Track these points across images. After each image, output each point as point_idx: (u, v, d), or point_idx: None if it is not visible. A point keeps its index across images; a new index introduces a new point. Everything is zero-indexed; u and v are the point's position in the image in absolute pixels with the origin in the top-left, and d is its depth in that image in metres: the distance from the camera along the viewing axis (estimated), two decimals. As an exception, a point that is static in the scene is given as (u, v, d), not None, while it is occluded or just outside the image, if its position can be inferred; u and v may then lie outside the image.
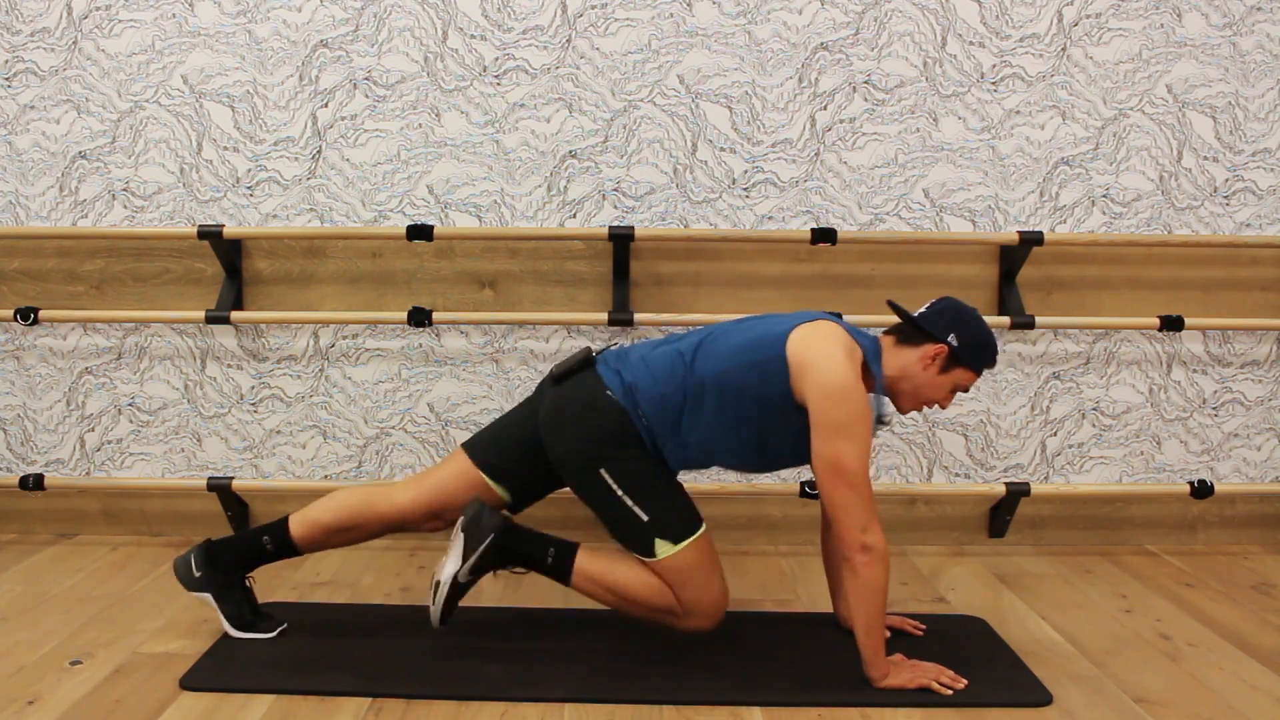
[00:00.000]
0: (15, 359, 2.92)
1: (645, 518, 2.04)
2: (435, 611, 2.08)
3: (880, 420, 2.11)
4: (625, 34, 2.80)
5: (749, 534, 2.98)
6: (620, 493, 2.05)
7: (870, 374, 2.06)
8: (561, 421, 2.10)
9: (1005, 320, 2.80)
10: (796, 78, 2.83)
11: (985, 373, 2.86)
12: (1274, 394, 3.00)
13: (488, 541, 2.05)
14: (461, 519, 2.08)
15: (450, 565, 2.06)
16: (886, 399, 2.13)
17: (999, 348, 2.17)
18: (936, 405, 2.12)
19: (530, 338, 2.90)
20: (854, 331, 2.08)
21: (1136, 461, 3.00)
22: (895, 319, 2.23)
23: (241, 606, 2.21)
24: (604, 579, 2.10)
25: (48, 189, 2.86)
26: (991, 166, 2.87)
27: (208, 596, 2.20)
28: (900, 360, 2.08)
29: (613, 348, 2.22)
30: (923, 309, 2.10)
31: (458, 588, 2.08)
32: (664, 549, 2.04)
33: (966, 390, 2.12)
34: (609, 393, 2.06)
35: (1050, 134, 2.87)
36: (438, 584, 2.07)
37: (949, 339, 2.04)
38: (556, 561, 2.10)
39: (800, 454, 2.07)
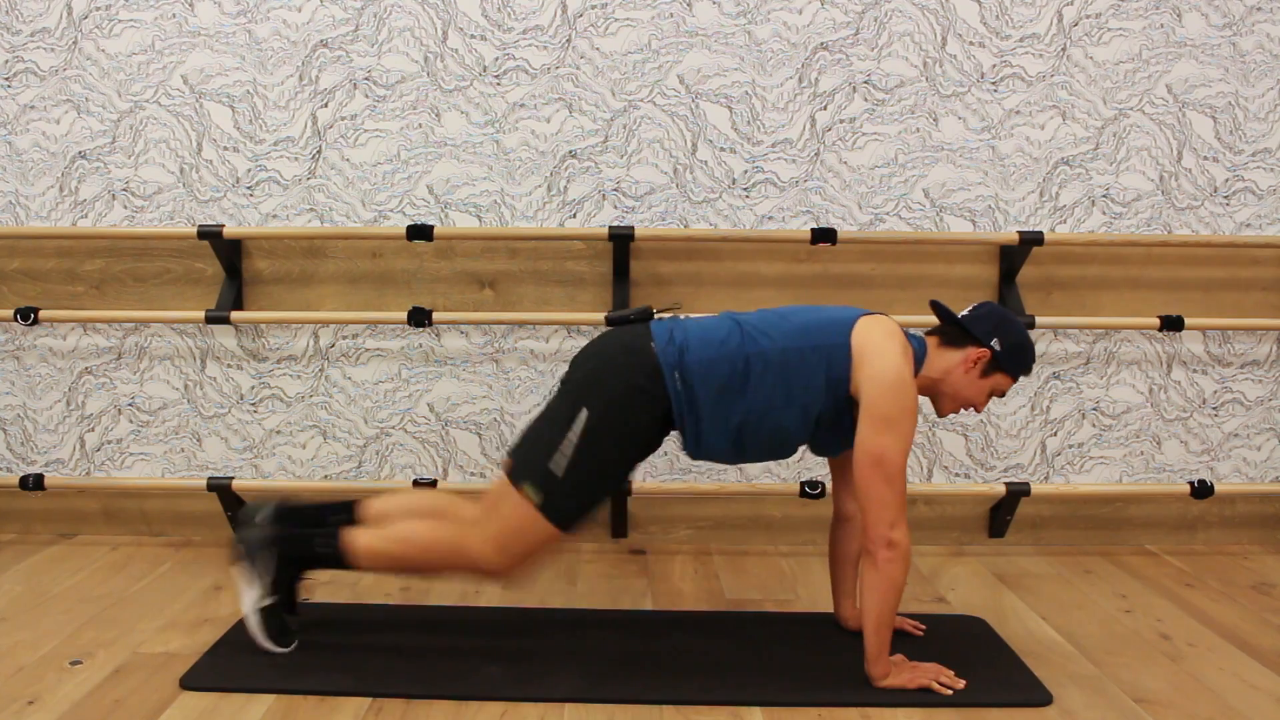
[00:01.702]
0: (15, 359, 2.92)
1: (559, 474, 1.97)
2: (264, 640, 2.10)
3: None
4: (625, 34, 2.80)
5: (749, 534, 2.98)
6: (572, 438, 1.97)
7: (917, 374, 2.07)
8: (593, 352, 2.08)
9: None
10: (796, 78, 2.83)
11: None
12: (1274, 394, 3.00)
13: (275, 555, 2.09)
14: (237, 549, 2.11)
15: (249, 595, 2.10)
16: None
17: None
18: (973, 408, 2.13)
19: (530, 338, 2.90)
20: (906, 333, 2.09)
21: (1136, 461, 3.00)
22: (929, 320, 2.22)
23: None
24: (392, 539, 2.06)
25: (48, 189, 2.86)
26: (991, 166, 2.87)
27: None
28: (943, 362, 2.08)
29: (666, 314, 2.17)
30: (965, 312, 2.11)
31: (269, 611, 2.10)
32: (532, 496, 1.98)
33: (1003, 395, 2.13)
34: (653, 345, 2.02)
35: (1050, 134, 2.87)
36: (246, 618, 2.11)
37: (992, 344, 2.06)
38: (331, 549, 2.08)
39: (836, 444, 2.09)
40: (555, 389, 2.11)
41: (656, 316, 2.13)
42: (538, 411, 2.10)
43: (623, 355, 2.04)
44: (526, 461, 2.02)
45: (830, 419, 2.04)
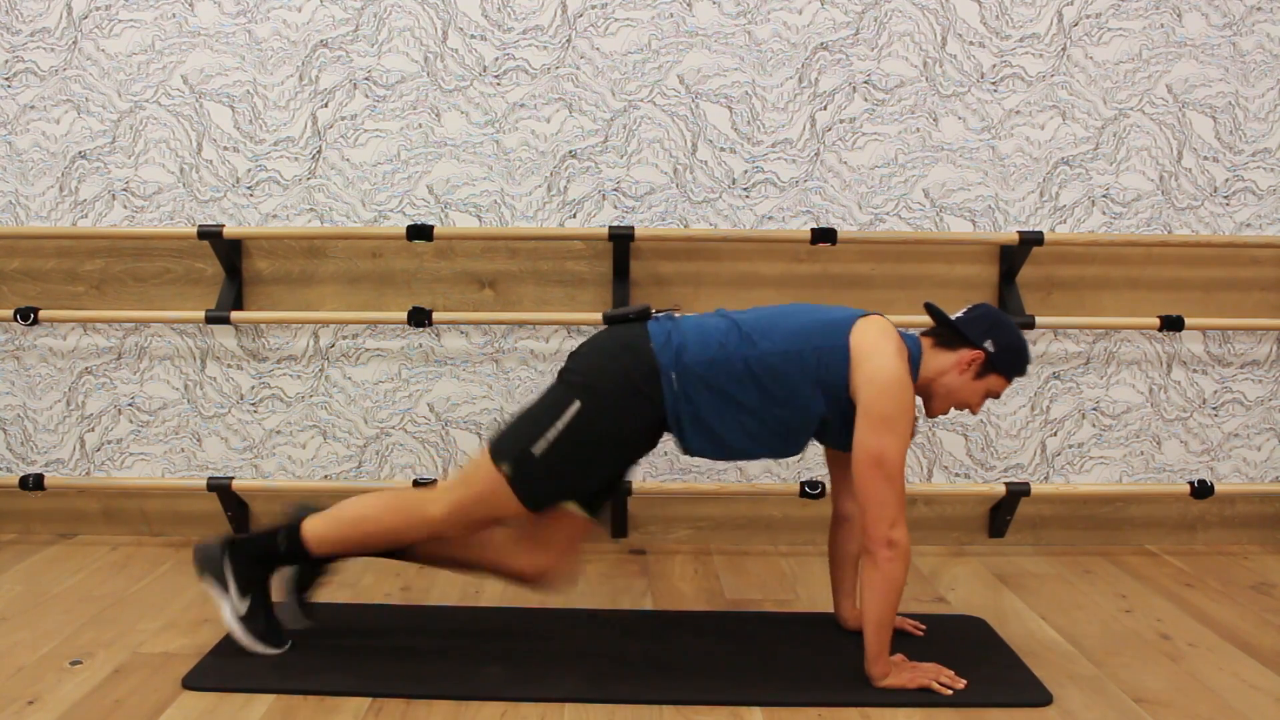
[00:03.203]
0: (15, 359, 2.92)
1: (536, 454, 1.99)
2: (255, 645, 2.11)
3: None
4: (625, 34, 2.80)
5: (749, 534, 2.98)
6: (559, 425, 1.99)
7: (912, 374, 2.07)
8: (592, 348, 2.08)
9: (1005, 320, 2.80)
10: (796, 78, 2.83)
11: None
12: (1274, 394, 3.00)
13: (228, 560, 2.09)
14: (195, 567, 2.12)
15: (225, 608, 2.10)
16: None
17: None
18: (968, 409, 2.13)
19: (530, 338, 2.90)
20: (900, 332, 2.09)
21: (1136, 461, 3.00)
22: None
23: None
24: (340, 519, 2.07)
25: (48, 189, 2.86)
26: (991, 166, 2.87)
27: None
28: (937, 363, 2.08)
29: (663, 313, 2.16)
30: (960, 313, 2.11)
31: (251, 617, 2.11)
32: (505, 470, 1.99)
33: (998, 396, 2.13)
34: (651, 345, 2.02)
35: (1050, 134, 2.87)
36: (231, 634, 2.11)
37: (986, 345, 2.05)
38: (290, 543, 2.09)
39: (843, 441, 2.07)
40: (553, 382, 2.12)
41: (654, 315, 2.13)
42: (532, 399, 2.10)
43: (622, 353, 2.04)
44: (509, 441, 2.03)
45: (833, 420, 2.05)
